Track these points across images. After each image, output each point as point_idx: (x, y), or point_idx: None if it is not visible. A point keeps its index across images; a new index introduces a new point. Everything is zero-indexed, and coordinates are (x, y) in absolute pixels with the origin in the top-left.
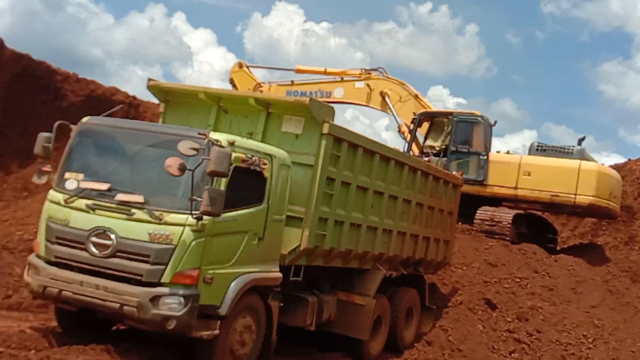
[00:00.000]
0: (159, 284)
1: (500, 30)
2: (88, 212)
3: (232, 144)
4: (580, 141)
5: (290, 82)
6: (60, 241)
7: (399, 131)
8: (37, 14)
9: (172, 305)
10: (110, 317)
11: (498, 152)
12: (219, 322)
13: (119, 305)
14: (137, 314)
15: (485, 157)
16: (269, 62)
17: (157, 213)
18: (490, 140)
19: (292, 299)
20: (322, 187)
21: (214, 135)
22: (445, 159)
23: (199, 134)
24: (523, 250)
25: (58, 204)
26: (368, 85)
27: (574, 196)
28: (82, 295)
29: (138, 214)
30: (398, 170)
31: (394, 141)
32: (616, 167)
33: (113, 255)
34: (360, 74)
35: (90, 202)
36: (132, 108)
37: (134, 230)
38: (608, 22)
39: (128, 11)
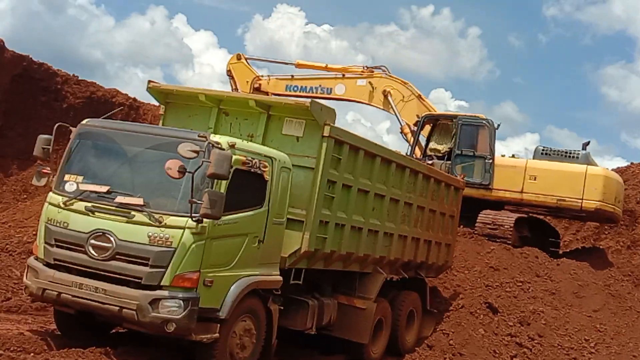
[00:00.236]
0: (159, 287)
1: (503, 33)
2: (87, 215)
3: (232, 146)
4: (585, 146)
5: (290, 77)
6: (59, 243)
7: (401, 132)
8: (38, 16)
9: (171, 308)
10: (109, 319)
11: (503, 155)
12: (218, 325)
13: (118, 308)
14: (136, 317)
15: (491, 161)
16: (270, 64)
17: (156, 216)
18: (495, 144)
19: (293, 302)
20: (323, 190)
21: (214, 138)
22: (449, 162)
23: (199, 136)
24: (525, 254)
25: (57, 206)
26: (370, 83)
27: (580, 201)
28: (81, 298)
29: (138, 216)
30: (399, 173)
31: (396, 144)
32: (618, 170)
33: (112, 258)
34: (362, 72)
35: (89, 204)
36: (132, 110)
37: (134, 232)
38: (611, 26)
39: (129, 13)
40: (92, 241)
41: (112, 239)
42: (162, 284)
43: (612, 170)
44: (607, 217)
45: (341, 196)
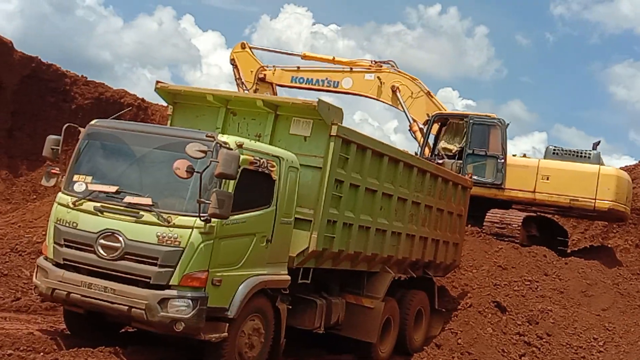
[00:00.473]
0: (168, 287)
1: (510, 32)
2: (96, 215)
3: (240, 146)
4: (595, 145)
5: (296, 68)
6: (68, 243)
7: (409, 129)
8: (47, 17)
9: (180, 308)
10: (118, 319)
11: (514, 155)
12: (227, 324)
13: (127, 307)
14: (145, 317)
15: (503, 161)
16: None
17: (165, 215)
18: (507, 144)
19: (301, 301)
20: (330, 190)
21: (222, 138)
22: (460, 161)
23: (207, 136)
24: (533, 253)
25: (66, 206)
26: (379, 78)
27: (593, 201)
28: (90, 297)
29: (146, 216)
30: (407, 173)
31: (403, 143)
32: (626, 169)
33: (121, 258)
34: (370, 66)
35: (98, 204)
36: (140, 111)
37: (142, 232)
38: (618, 24)
39: (137, 14)
40: (101, 241)
41: (121, 238)
42: (170, 283)
43: (620, 168)
44: (617, 217)
45: (349, 195)
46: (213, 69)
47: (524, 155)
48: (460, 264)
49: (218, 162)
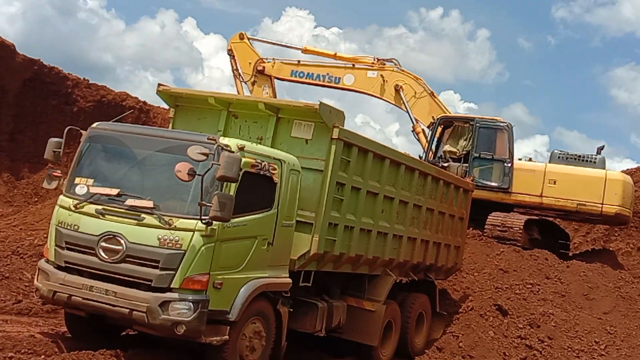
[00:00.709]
0: (169, 289)
1: (512, 35)
2: (98, 217)
3: (241, 149)
4: (599, 150)
5: (296, 62)
6: (70, 246)
7: (412, 130)
8: (49, 20)
9: (181, 311)
10: (119, 322)
11: (519, 159)
12: (228, 327)
13: (128, 310)
14: (146, 320)
15: (510, 165)
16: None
17: (166, 218)
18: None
19: (302, 304)
20: (332, 192)
21: (224, 141)
22: (466, 164)
23: (209, 139)
24: (535, 256)
25: (68, 209)
26: (382, 76)
27: (600, 205)
28: (91, 300)
29: (148, 219)
30: (408, 176)
31: (405, 146)
32: (628, 172)
33: (123, 261)
34: (372, 63)
35: (100, 207)
36: (142, 113)
37: (144, 235)
38: (620, 28)
39: (139, 17)
40: (103, 244)
41: (122, 241)
42: (172, 286)
43: (621, 172)
44: (620, 221)
45: (350, 198)
46: (215, 72)
47: (530, 159)
48: (461, 267)
49: (219, 164)
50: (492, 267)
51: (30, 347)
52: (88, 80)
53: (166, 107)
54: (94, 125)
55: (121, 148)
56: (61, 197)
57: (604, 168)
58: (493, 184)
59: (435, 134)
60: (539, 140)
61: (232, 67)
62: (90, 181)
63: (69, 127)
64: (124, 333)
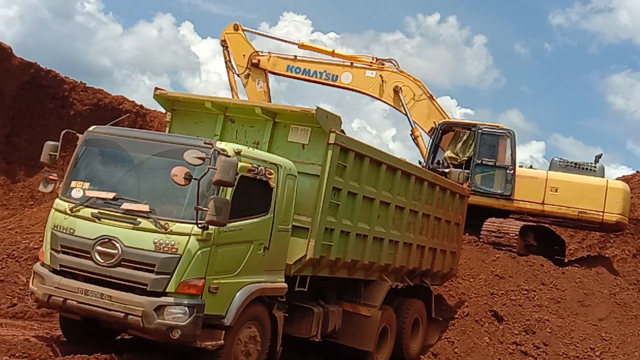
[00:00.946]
0: (164, 294)
1: (509, 41)
2: (94, 221)
3: (238, 153)
4: (597, 158)
5: (293, 57)
6: (65, 250)
7: (411, 134)
8: (46, 23)
9: (176, 315)
10: (114, 326)
11: (520, 166)
12: (223, 332)
13: (123, 314)
14: (141, 324)
15: (512, 172)
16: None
17: (162, 222)
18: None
19: (298, 309)
20: (328, 197)
21: (220, 145)
22: (467, 171)
23: (205, 143)
24: (530, 262)
25: (64, 212)
26: (381, 76)
27: (602, 214)
28: (86, 304)
29: (144, 223)
30: (405, 181)
31: (402, 151)
32: (624, 179)
33: (118, 265)
34: (371, 63)
35: (96, 210)
36: (139, 117)
37: (140, 239)
38: (617, 35)
39: (136, 21)
40: (98, 247)
41: (118, 245)
42: (167, 290)
43: (617, 178)
44: (617, 228)
45: (346, 204)
46: (212, 76)
47: (531, 167)
48: (457, 272)
49: (216, 169)
50: (487, 273)
51: (24, 351)
52: (85, 84)
53: (163, 111)
54: (91, 128)
55: (118, 152)
56: (57, 200)
57: (603, 176)
58: (495, 190)
59: (435, 140)
60: (535, 146)
61: (225, 58)
62: (87, 185)
63: (66, 130)
64: (118, 337)
